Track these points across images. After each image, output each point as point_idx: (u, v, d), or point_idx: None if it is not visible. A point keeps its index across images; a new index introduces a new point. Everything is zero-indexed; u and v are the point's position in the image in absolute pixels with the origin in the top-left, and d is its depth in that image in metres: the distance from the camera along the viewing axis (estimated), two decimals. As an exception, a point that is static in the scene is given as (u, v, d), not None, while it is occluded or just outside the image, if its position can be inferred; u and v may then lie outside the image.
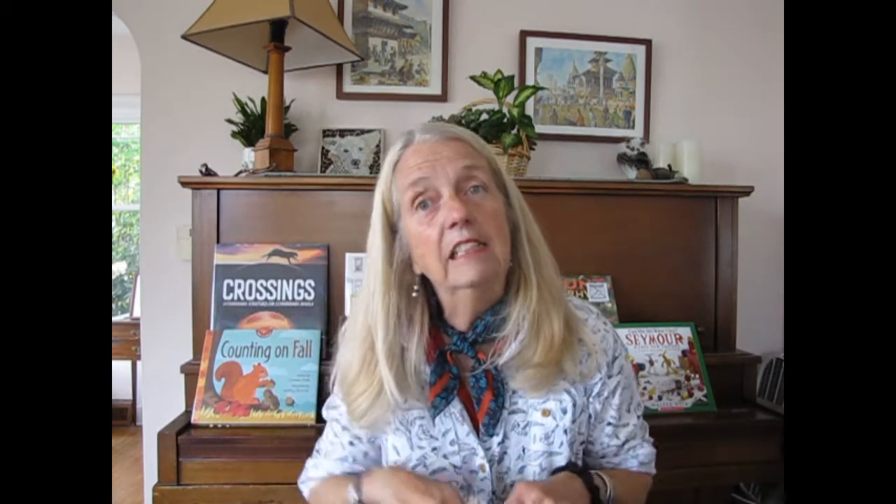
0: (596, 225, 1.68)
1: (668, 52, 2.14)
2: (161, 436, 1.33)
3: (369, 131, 1.99)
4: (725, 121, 2.15)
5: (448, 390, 0.83)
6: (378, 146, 1.98)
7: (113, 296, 4.09)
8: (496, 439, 0.85)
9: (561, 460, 0.86)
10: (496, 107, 1.78)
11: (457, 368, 0.84)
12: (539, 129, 1.95)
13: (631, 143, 1.96)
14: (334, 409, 0.94)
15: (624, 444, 0.92)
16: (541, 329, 0.82)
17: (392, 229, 0.84)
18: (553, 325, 0.82)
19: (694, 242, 1.72)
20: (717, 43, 2.15)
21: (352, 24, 2.02)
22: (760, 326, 1.96)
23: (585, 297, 1.60)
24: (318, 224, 1.60)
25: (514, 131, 1.77)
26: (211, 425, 1.39)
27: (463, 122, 1.73)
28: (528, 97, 1.80)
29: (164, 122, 1.96)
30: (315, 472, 0.95)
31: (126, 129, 4.24)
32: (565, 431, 0.85)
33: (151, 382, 1.95)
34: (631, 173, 1.93)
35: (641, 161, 1.93)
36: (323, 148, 1.98)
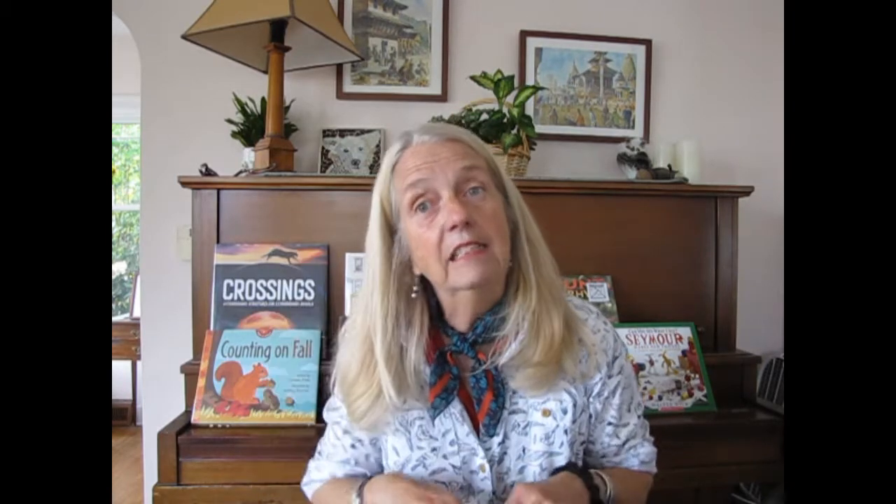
0: (596, 225, 1.68)
1: (668, 52, 2.14)
2: (161, 436, 1.33)
3: (369, 131, 1.99)
4: (725, 121, 2.15)
5: (448, 391, 0.83)
6: (378, 146, 1.98)
7: (113, 296, 4.09)
8: (496, 439, 0.85)
9: (561, 460, 0.86)
10: (496, 107, 1.78)
11: (457, 369, 0.84)
12: (539, 129, 1.95)
13: (631, 143, 1.96)
14: (335, 411, 0.94)
15: (625, 443, 0.92)
16: (541, 329, 0.82)
17: (391, 230, 0.84)
18: (553, 325, 0.82)
19: (694, 242, 1.72)
20: (717, 43, 2.15)
21: (352, 24, 2.02)
22: (760, 326, 1.96)
23: (585, 297, 1.60)
24: (318, 224, 1.60)
25: (514, 131, 1.77)
26: (211, 425, 1.39)
27: (463, 122, 1.73)
28: (528, 97, 1.80)
29: (164, 122, 1.96)
30: (318, 474, 0.95)
31: (126, 129, 4.24)
32: (566, 431, 0.85)
33: (151, 382, 1.95)
34: (631, 173, 1.93)
35: (641, 161, 1.93)
36: (323, 148, 1.98)
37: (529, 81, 2.04)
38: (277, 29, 1.70)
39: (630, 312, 1.64)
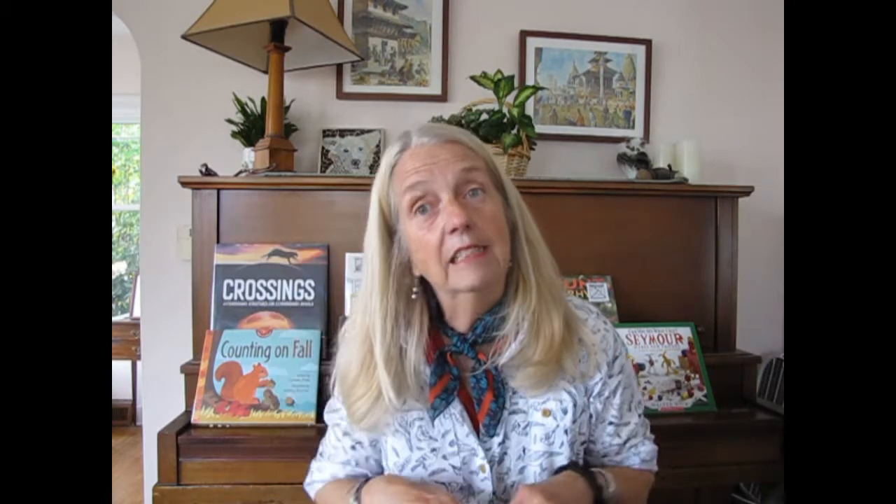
0: (596, 225, 1.68)
1: (668, 52, 2.14)
2: (161, 436, 1.33)
3: (369, 131, 1.99)
4: (725, 121, 2.15)
5: (448, 391, 0.83)
6: (378, 146, 1.98)
7: (113, 296, 4.09)
8: (496, 440, 0.85)
9: (562, 460, 0.86)
10: (496, 107, 1.78)
11: (457, 369, 0.84)
12: (539, 129, 1.95)
13: (631, 143, 1.96)
14: (335, 413, 0.94)
15: (626, 442, 0.93)
16: (541, 328, 0.82)
17: (390, 232, 0.84)
18: (553, 325, 0.82)
19: (694, 242, 1.72)
20: (717, 43, 2.15)
21: (352, 24, 2.02)
22: (760, 326, 1.96)
23: (585, 297, 1.60)
24: (318, 224, 1.60)
25: (514, 131, 1.77)
26: (211, 425, 1.39)
27: (463, 122, 1.73)
28: (528, 97, 1.80)
29: (164, 122, 1.96)
30: (319, 474, 0.96)
31: (126, 129, 4.24)
32: (566, 432, 0.85)
33: (151, 382, 1.95)
34: (631, 173, 1.93)
35: (641, 161, 1.93)
36: (323, 148, 1.98)
37: (529, 81, 2.04)
38: (277, 29, 1.70)
39: (630, 312, 1.64)
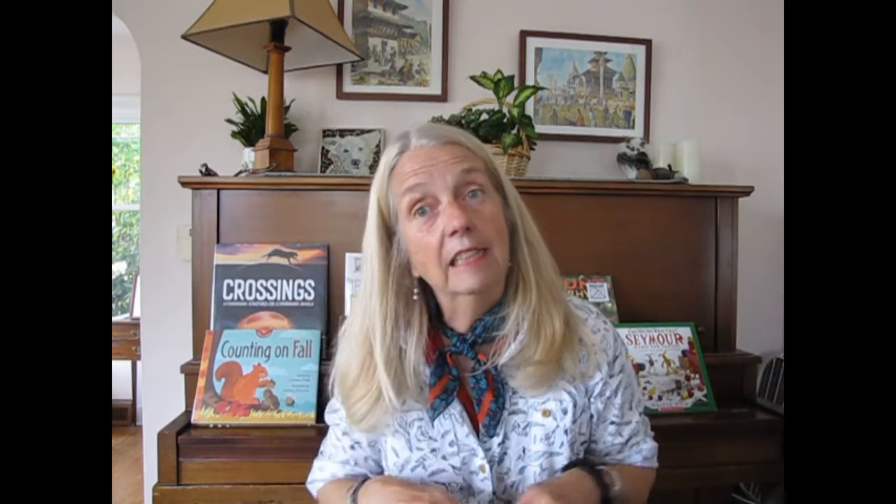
0: (596, 225, 1.68)
1: (668, 52, 2.14)
2: (161, 436, 1.33)
3: (369, 131, 1.99)
4: (725, 121, 2.15)
5: (448, 392, 0.83)
6: (378, 146, 1.98)
7: (113, 296, 4.09)
8: (496, 440, 0.85)
9: (562, 460, 0.86)
10: (496, 107, 1.78)
11: (456, 370, 0.84)
12: (539, 129, 1.95)
13: (631, 143, 1.96)
14: (334, 413, 0.94)
15: (628, 441, 0.93)
16: (541, 328, 0.81)
17: (389, 233, 0.84)
18: (554, 324, 0.82)
19: (694, 242, 1.72)
20: (717, 43, 2.15)
21: (352, 24, 2.02)
22: (760, 326, 1.96)
23: (585, 297, 1.60)
24: (318, 224, 1.60)
25: (514, 131, 1.77)
26: (211, 425, 1.39)
27: (463, 122, 1.73)
28: (528, 97, 1.80)
29: (164, 122, 1.96)
30: (320, 473, 0.97)
31: (126, 129, 4.24)
32: (566, 432, 0.85)
33: (151, 382, 1.95)
34: (631, 173, 1.93)
35: (641, 161, 1.93)
36: (323, 148, 1.98)
37: (529, 81, 2.04)
38: (277, 29, 1.70)
39: (630, 312, 1.64)
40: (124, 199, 4.32)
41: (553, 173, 2.00)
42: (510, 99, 1.80)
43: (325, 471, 0.96)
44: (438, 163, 0.80)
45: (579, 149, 2.10)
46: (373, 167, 1.96)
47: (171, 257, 1.96)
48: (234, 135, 1.90)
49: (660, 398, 1.53)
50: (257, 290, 1.55)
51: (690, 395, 1.55)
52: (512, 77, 1.77)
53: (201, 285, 1.57)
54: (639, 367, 1.55)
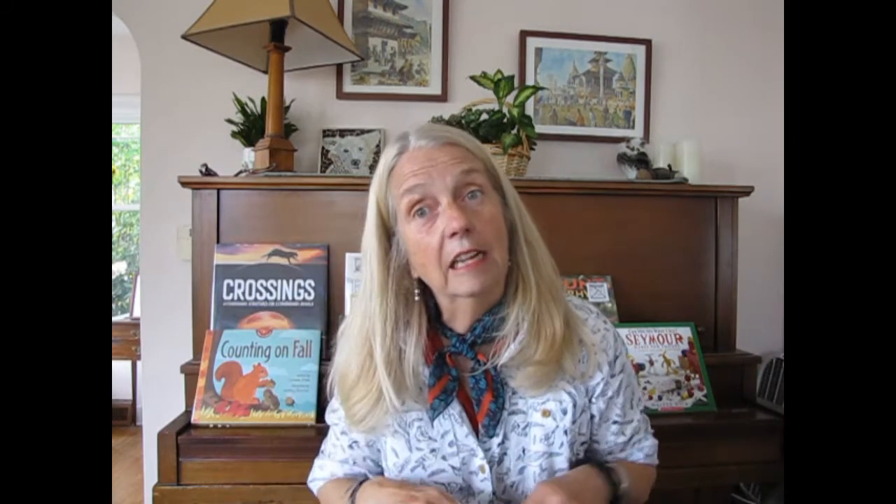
0: (596, 225, 1.68)
1: (668, 52, 2.14)
2: (161, 436, 1.33)
3: (369, 131, 1.99)
4: (725, 121, 2.15)
5: (447, 392, 0.83)
6: (378, 146, 1.98)
7: (113, 296, 4.09)
8: (496, 440, 0.85)
9: (561, 461, 0.86)
10: (496, 107, 1.78)
11: (456, 370, 0.84)
12: (539, 129, 1.95)
13: (631, 143, 1.96)
14: (334, 413, 0.95)
15: (630, 439, 0.93)
16: (541, 329, 0.81)
17: (388, 233, 0.84)
18: (554, 324, 0.82)
19: (694, 242, 1.72)
20: (717, 43, 2.15)
21: (352, 24, 2.02)
22: (760, 326, 1.96)
23: (585, 297, 1.60)
24: (318, 224, 1.60)
25: (514, 131, 1.77)
26: (211, 425, 1.39)
27: (463, 122, 1.73)
28: (528, 97, 1.80)
29: (164, 122, 1.96)
30: (321, 472, 0.97)
31: (126, 129, 4.24)
32: (565, 432, 0.85)
33: (151, 382, 1.95)
34: (631, 173, 1.93)
35: (641, 161, 1.93)
36: (323, 148, 1.98)
37: (529, 81, 2.04)
38: (277, 29, 1.70)
39: (630, 312, 1.64)
40: (124, 199, 4.32)
41: (553, 173, 2.00)
42: (510, 99, 1.80)
43: (325, 469, 0.96)
44: (437, 164, 0.80)
45: (579, 149, 2.10)
46: (373, 167, 1.95)
47: (171, 257, 1.96)
48: (234, 135, 1.90)
49: (660, 398, 1.53)
50: (257, 290, 1.55)
51: (690, 395, 1.55)
52: (512, 77, 1.77)
53: (201, 285, 1.57)
54: (639, 367, 1.55)
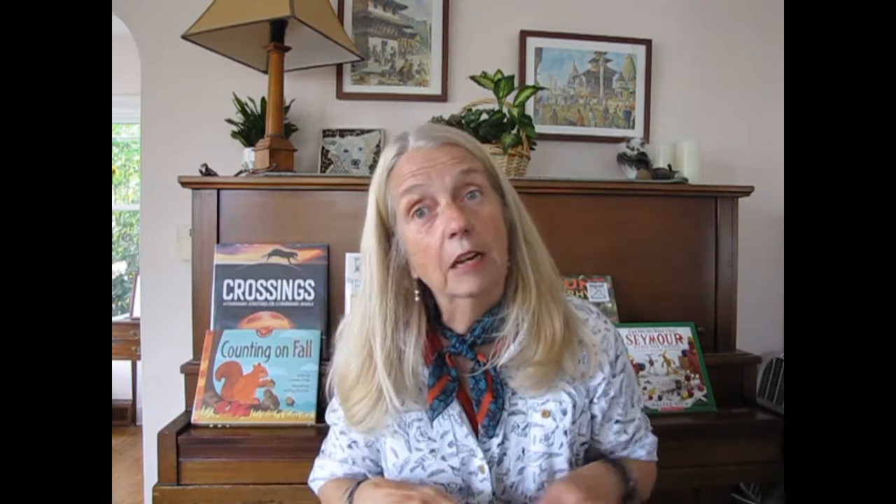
0: (596, 225, 1.68)
1: (668, 52, 2.14)
2: (161, 436, 1.33)
3: (369, 131, 1.99)
4: (725, 121, 2.15)
5: (447, 392, 0.83)
6: (378, 146, 1.98)
7: (113, 296, 4.09)
8: (496, 441, 0.85)
9: (561, 461, 0.86)
10: (496, 107, 1.78)
11: (455, 371, 0.84)
12: (539, 129, 1.95)
13: (631, 143, 1.96)
14: (333, 413, 0.95)
15: (632, 437, 0.93)
16: (541, 329, 0.81)
17: (388, 234, 0.84)
18: (554, 325, 0.82)
19: (694, 242, 1.72)
20: (717, 43, 2.15)
21: (352, 24, 2.02)
22: (760, 326, 1.96)
23: (585, 297, 1.60)
24: (318, 224, 1.60)
25: (514, 131, 1.77)
26: (211, 425, 1.39)
27: (463, 122, 1.73)
28: (528, 97, 1.80)
29: (164, 122, 1.96)
30: (321, 472, 0.98)
31: (126, 129, 4.24)
32: (565, 433, 0.85)
33: (151, 382, 1.95)
34: (631, 173, 1.93)
35: (641, 161, 1.93)
36: (323, 148, 1.98)
37: (529, 81, 2.04)
38: (277, 29, 1.70)
39: (630, 312, 1.64)
40: (124, 199, 4.32)
41: (553, 173, 2.00)
42: (510, 99, 1.80)
43: (325, 469, 0.97)
44: (437, 164, 0.80)
45: (579, 149, 2.10)
46: (373, 167, 1.95)
47: (171, 257, 1.96)
48: (234, 135, 1.90)
49: (660, 398, 1.53)
50: (257, 290, 1.55)
51: (690, 395, 1.55)
52: (512, 77, 1.77)
53: (201, 285, 1.57)
54: (639, 367, 1.55)
